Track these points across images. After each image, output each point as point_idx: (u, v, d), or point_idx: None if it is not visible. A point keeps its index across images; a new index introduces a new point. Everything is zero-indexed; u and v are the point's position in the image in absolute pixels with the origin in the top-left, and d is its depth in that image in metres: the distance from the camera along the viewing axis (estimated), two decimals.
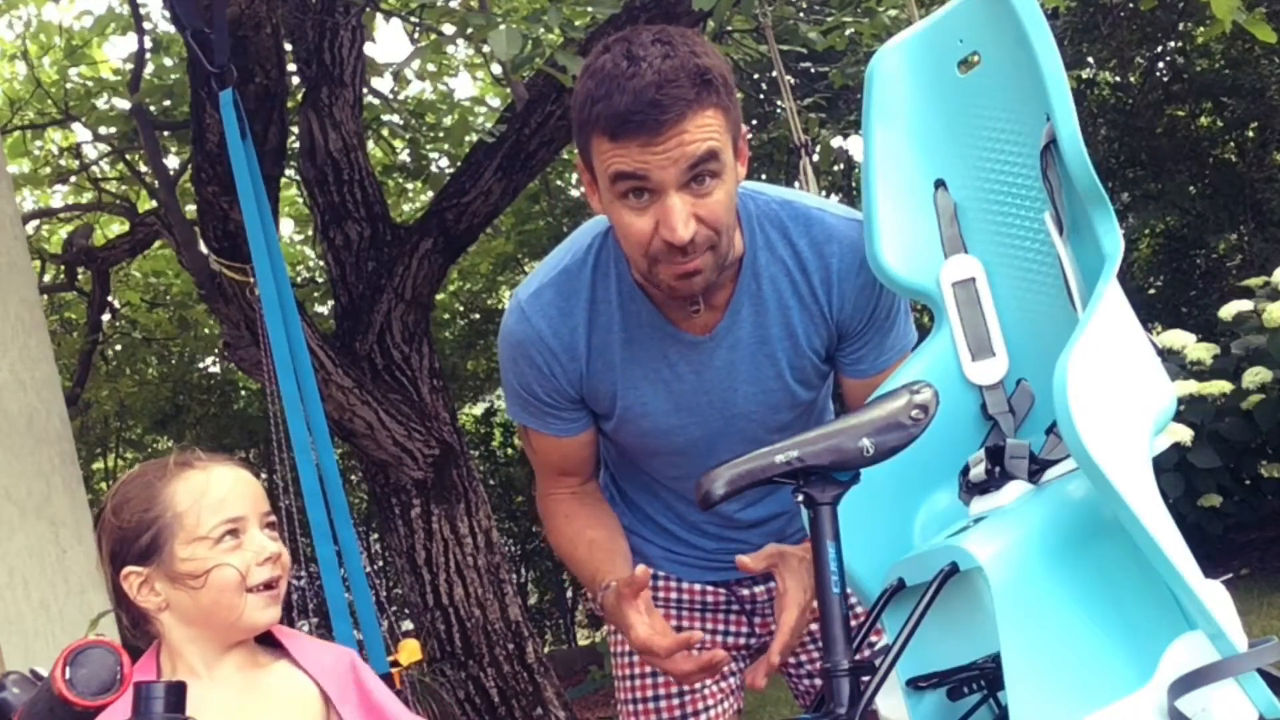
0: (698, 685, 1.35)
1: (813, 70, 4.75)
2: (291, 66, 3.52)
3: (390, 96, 4.38)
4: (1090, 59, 6.10)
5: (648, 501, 1.36)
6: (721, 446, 1.21)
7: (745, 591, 1.38)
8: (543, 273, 1.24)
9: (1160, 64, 6.28)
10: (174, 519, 1.00)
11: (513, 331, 1.23)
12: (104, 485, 6.78)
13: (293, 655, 1.05)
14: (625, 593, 1.14)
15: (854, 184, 6.10)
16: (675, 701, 1.35)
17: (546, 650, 5.37)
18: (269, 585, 1.02)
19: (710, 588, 1.38)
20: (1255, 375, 3.60)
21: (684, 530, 1.36)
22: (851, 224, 1.20)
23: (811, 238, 1.20)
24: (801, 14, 3.61)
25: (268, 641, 1.06)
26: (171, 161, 4.19)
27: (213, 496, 1.01)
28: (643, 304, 1.20)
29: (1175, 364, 3.77)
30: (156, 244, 4.82)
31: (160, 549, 1.00)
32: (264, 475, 4.28)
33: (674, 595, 1.38)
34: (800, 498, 0.98)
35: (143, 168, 4.43)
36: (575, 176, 5.77)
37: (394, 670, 1.51)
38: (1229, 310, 3.88)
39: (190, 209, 3.82)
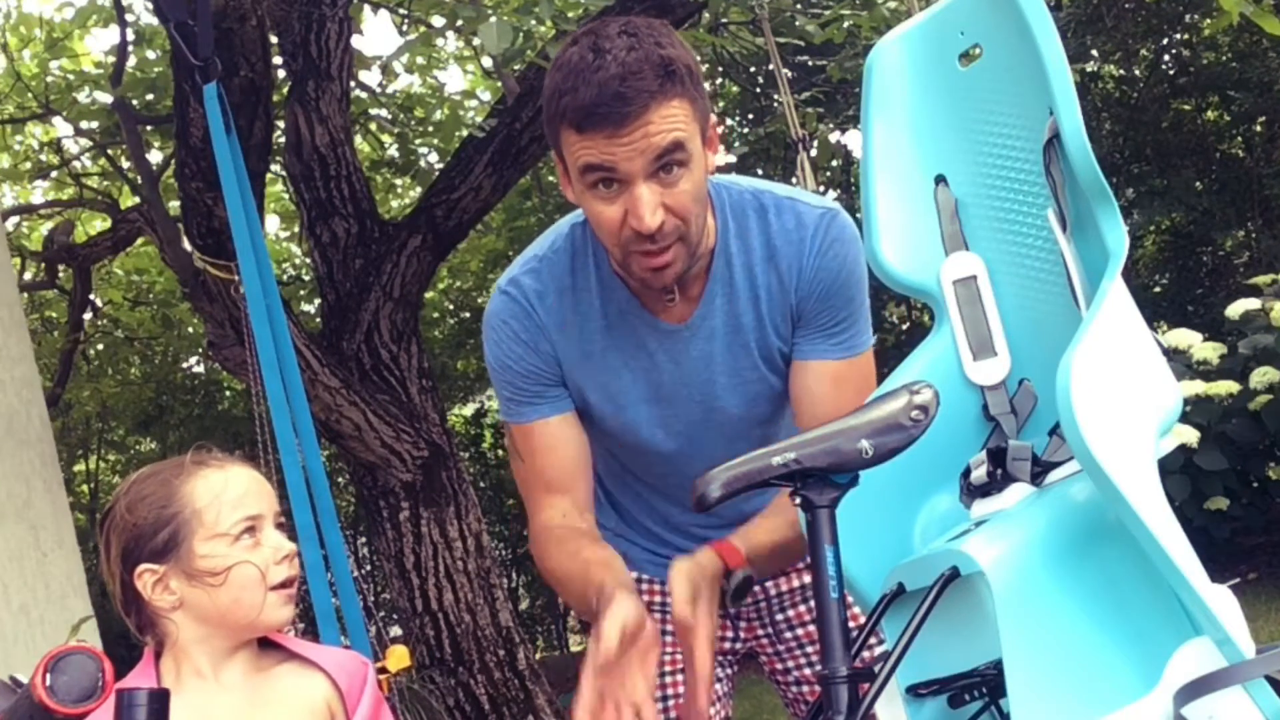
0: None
1: (810, 63, 4.73)
2: (277, 59, 3.48)
3: (378, 90, 4.33)
4: (1094, 52, 5.97)
5: (632, 503, 1.36)
6: (704, 440, 1.20)
7: None
8: (522, 263, 1.25)
9: (1166, 57, 6.16)
10: (193, 515, 0.99)
11: (495, 309, 1.24)
12: (85, 488, 6.71)
13: (300, 653, 1.04)
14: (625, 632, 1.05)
15: (852, 180, 6.08)
16: (659, 708, 1.33)
17: (538, 656, 5.32)
18: (285, 584, 1.01)
19: None
20: (1263, 375, 3.50)
21: (669, 533, 1.35)
22: (824, 213, 1.20)
23: (783, 225, 1.20)
24: (799, 6, 3.59)
25: (266, 646, 1.05)
26: (154, 157, 4.14)
27: (232, 494, 1.01)
28: (621, 292, 1.21)
29: (1181, 364, 3.68)
30: (139, 241, 4.77)
31: (178, 546, 0.99)
32: None
33: (658, 599, 1.36)
34: (798, 500, 0.97)
35: (125, 163, 4.38)
36: None
37: (382, 678, 1.49)
38: (1236, 309, 3.79)
39: (174, 205, 3.78)
